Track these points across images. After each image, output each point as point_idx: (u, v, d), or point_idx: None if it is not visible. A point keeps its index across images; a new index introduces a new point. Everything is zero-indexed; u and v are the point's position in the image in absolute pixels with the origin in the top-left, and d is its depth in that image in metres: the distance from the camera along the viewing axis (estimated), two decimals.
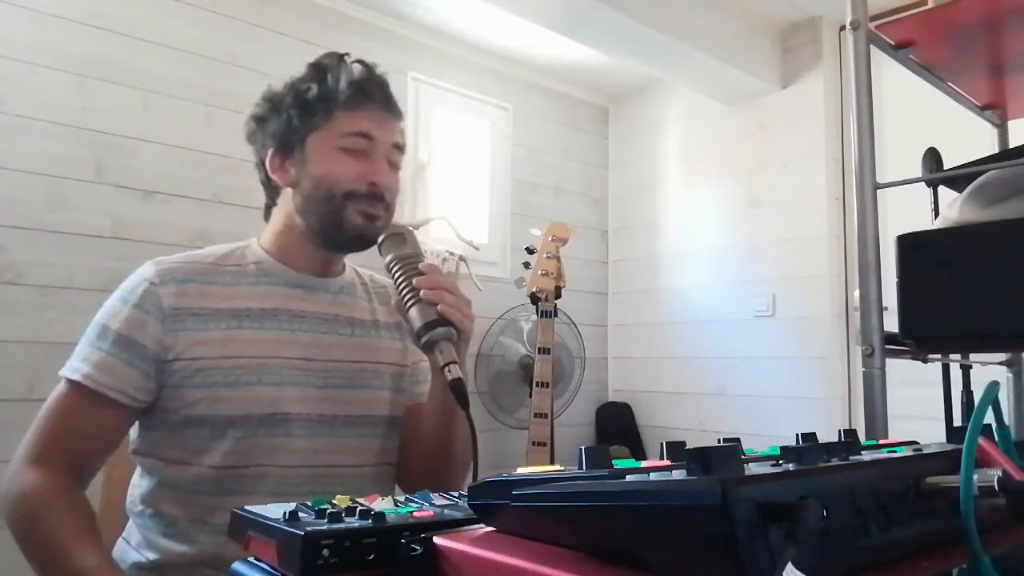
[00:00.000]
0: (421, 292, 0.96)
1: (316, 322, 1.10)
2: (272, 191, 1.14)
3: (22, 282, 2.14)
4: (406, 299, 0.97)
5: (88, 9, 2.33)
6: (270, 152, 1.10)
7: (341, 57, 1.11)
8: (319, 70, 1.09)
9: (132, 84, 2.39)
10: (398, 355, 1.17)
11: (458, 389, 0.93)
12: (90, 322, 1.04)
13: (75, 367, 0.99)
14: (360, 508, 0.53)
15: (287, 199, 1.10)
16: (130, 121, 2.37)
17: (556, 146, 3.73)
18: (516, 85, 3.55)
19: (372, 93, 1.08)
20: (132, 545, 1.04)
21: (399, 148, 1.11)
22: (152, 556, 1.00)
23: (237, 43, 2.61)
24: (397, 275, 0.99)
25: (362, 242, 1.08)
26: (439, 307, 0.96)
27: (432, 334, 0.94)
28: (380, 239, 1.05)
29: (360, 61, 1.11)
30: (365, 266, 1.24)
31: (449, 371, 0.93)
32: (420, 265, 1.00)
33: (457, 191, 3.31)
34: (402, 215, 3.01)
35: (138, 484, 1.06)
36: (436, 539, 0.46)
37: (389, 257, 1.01)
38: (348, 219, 1.05)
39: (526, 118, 3.59)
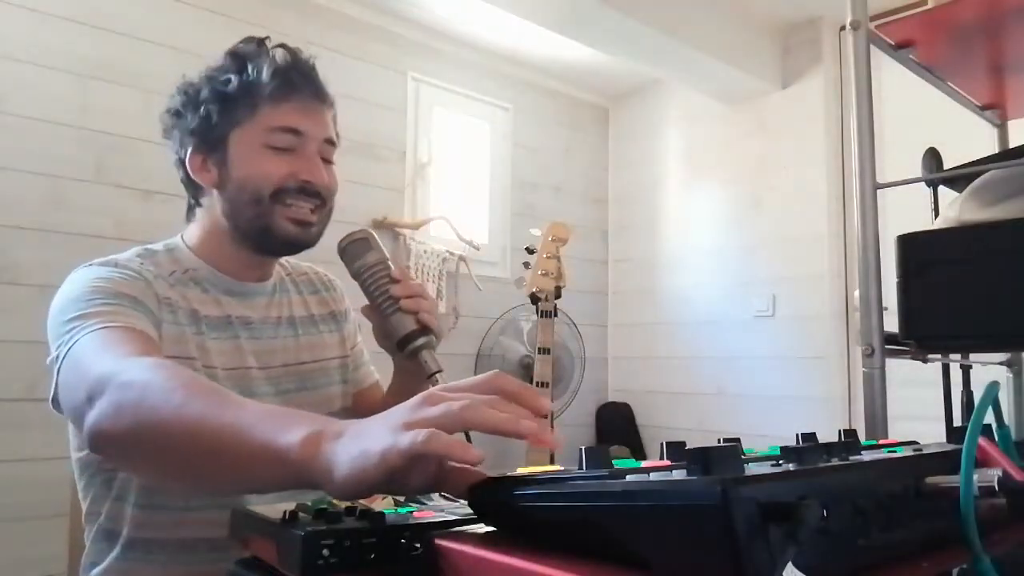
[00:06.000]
0: (401, 302, 0.94)
1: (263, 327, 1.05)
2: (195, 191, 1.05)
3: (22, 282, 2.14)
4: (385, 309, 0.95)
5: (89, 9, 2.33)
6: (189, 150, 1.01)
7: (261, 42, 1.02)
8: (238, 59, 1.00)
9: (132, 84, 2.39)
10: (339, 346, 1.15)
11: None
12: (60, 307, 0.88)
13: (91, 325, 0.82)
14: (360, 508, 0.53)
15: (212, 201, 1.03)
16: (130, 121, 2.37)
17: (556, 146, 3.72)
18: (516, 85, 3.55)
19: (298, 83, 0.99)
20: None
21: (331, 143, 1.04)
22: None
23: None
24: (370, 285, 0.97)
25: (296, 248, 1.02)
26: (419, 315, 0.94)
27: (415, 344, 0.94)
28: (342, 246, 0.98)
29: (283, 45, 1.02)
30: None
31: (439, 379, 0.92)
32: (392, 272, 0.97)
33: (457, 191, 3.31)
34: (403, 215, 3.01)
35: (112, 510, 0.96)
36: (436, 539, 0.46)
37: (356, 265, 0.97)
38: (279, 224, 0.98)
39: (526, 118, 3.59)
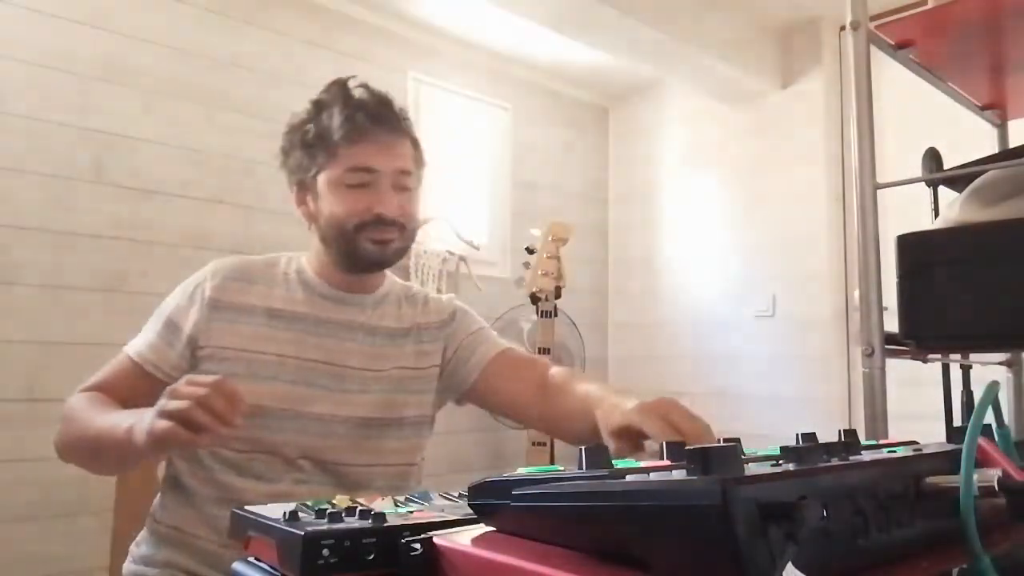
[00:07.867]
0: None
1: (339, 329, 1.17)
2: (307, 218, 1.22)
3: (22, 282, 2.14)
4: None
5: (89, 9, 2.33)
6: (294, 189, 1.18)
7: (343, 85, 1.13)
8: (317, 108, 1.13)
9: (132, 84, 2.39)
10: (432, 357, 1.22)
11: None
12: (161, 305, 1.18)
13: (135, 344, 1.15)
14: (360, 508, 0.53)
15: (315, 228, 1.19)
16: (130, 121, 2.37)
17: (556, 146, 3.72)
18: (516, 85, 3.55)
19: (366, 124, 1.10)
20: (155, 506, 1.17)
21: (406, 172, 1.14)
22: (169, 520, 1.11)
23: (237, 43, 2.61)
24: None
25: (377, 266, 1.17)
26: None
27: None
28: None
29: (364, 85, 1.13)
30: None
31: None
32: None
33: (457, 191, 3.30)
34: None
35: (169, 459, 1.17)
36: (436, 539, 0.46)
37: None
38: (362, 248, 1.12)
39: (526, 118, 3.59)
